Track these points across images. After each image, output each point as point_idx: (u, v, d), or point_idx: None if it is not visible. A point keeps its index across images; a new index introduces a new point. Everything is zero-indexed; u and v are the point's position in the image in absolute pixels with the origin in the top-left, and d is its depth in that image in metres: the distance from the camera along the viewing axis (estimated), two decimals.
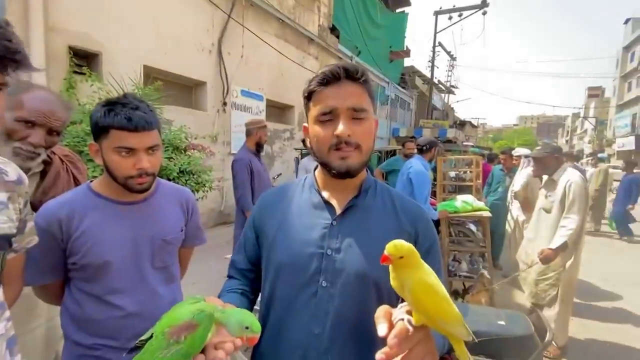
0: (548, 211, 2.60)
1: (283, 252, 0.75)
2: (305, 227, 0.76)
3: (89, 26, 4.33)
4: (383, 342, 0.51)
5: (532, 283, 2.64)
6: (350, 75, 0.72)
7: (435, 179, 4.83)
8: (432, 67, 15.75)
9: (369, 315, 0.70)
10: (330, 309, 0.70)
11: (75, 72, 4.13)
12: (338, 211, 0.76)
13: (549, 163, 2.63)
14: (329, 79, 0.72)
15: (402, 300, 0.56)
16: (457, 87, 24.09)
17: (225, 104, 6.61)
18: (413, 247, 0.54)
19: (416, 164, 3.21)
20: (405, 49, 15.76)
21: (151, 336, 0.55)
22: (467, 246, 3.71)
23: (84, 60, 4.44)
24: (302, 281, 0.72)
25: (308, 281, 0.72)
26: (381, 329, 0.52)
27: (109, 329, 0.94)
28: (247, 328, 0.56)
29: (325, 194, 0.78)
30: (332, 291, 0.71)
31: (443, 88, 22.27)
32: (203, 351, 0.54)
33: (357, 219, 0.75)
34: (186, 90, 6.27)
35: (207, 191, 4.17)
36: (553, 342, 2.58)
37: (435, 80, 18.38)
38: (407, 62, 17.46)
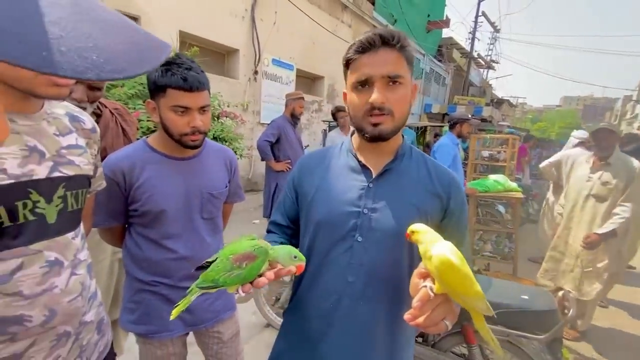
0: (604, 199, 2.33)
1: (322, 210, 0.81)
2: (343, 188, 0.81)
3: None
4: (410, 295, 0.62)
5: (576, 277, 2.43)
6: (387, 41, 0.73)
7: (466, 158, 4.71)
8: (473, 38, 14.75)
9: (400, 268, 0.77)
10: (364, 260, 0.77)
11: None
12: (374, 174, 0.80)
13: (612, 142, 2.33)
14: (365, 47, 0.74)
15: None
16: (497, 62, 22.53)
17: (256, 72, 6.62)
18: (426, 228, 0.63)
19: (442, 140, 3.25)
20: (444, 18, 14.77)
21: (215, 259, 0.65)
22: (494, 227, 3.67)
23: None
24: (339, 236, 0.79)
25: (345, 236, 0.78)
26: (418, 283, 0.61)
27: (164, 269, 1.07)
28: (295, 257, 0.67)
29: (362, 158, 0.83)
30: (367, 245, 0.77)
31: (482, 62, 20.89)
32: (252, 282, 0.64)
33: (392, 182, 0.80)
34: (219, 58, 6.32)
35: (237, 158, 4.31)
36: (574, 325, 2.58)
37: (475, 54, 17.25)
38: (446, 33, 16.39)
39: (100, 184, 0.92)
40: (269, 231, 0.96)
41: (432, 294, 0.58)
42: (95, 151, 0.85)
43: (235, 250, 0.64)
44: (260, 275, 0.64)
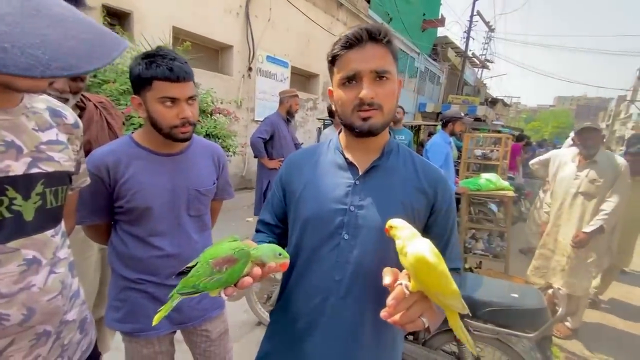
0: (592, 196, 2.36)
1: (309, 208, 0.80)
2: (329, 185, 0.80)
3: None
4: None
5: (566, 273, 2.45)
6: (373, 36, 0.72)
7: (460, 157, 4.73)
8: (468, 38, 14.82)
9: (387, 266, 0.77)
10: (351, 258, 0.76)
11: None
12: (361, 171, 0.80)
13: (597, 140, 2.38)
14: (352, 42, 0.73)
15: None
16: (492, 62, 22.67)
17: (250, 69, 6.57)
18: (404, 223, 0.63)
19: (435, 138, 3.24)
20: (439, 17, 14.81)
21: (196, 264, 0.64)
22: (487, 225, 3.69)
23: (116, 19, 4.49)
24: (326, 234, 0.78)
25: (331, 234, 0.77)
26: (385, 280, 0.61)
27: (150, 267, 1.05)
28: (279, 255, 0.66)
29: (348, 155, 0.82)
30: (353, 243, 0.76)
31: (477, 62, 21.01)
32: (236, 284, 0.63)
33: (379, 179, 0.79)
34: (213, 54, 6.26)
35: (230, 156, 4.29)
36: (566, 323, 2.61)
37: (470, 53, 17.34)
38: (441, 32, 16.46)
39: (83, 180, 0.90)
40: (257, 230, 0.95)
41: (407, 292, 0.58)
42: (78, 147, 0.82)
43: (216, 254, 0.62)
44: (245, 275, 0.63)
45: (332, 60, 0.78)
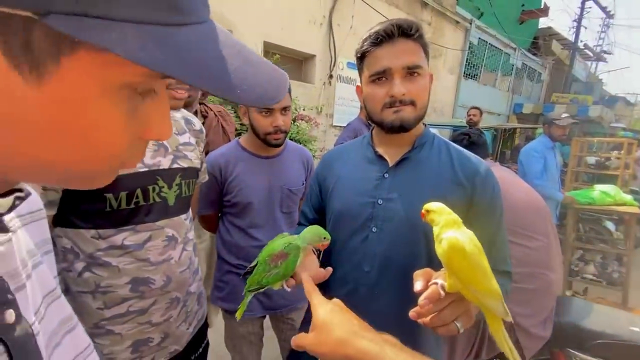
0: None
1: (339, 201, 0.83)
2: (359, 179, 0.82)
3: (222, 6, 4.96)
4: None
5: None
6: (405, 32, 0.70)
7: (564, 165, 4.11)
8: (578, 27, 12.74)
9: (417, 260, 0.74)
10: (379, 251, 0.76)
11: None
12: (391, 164, 0.79)
13: None
14: (382, 38, 0.71)
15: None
16: (610, 53, 19.03)
17: (331, 76, 6.80)
18: (443, 207, 0.56)
19: (532, 143, 2.97)
20: (542, 6, 13.06)
21: (257, 264, 0.75)
22: (599, 247, 3.12)
23: None
24: (356, 227, 0.79)
25: (361, 227, 0.79)
26: (416, 286, 0.56)
27: (248, 254, 1.21)
28: (324, 238, 0.74)
29: (379, 149, 0.82)
30: (382, 236, 0.76)
31: (590, 54, 17.88)
32: (293, 276, 0.72)
33: (409, 171, 0.78)
34: (297, 64, 6.67)
35: None
36: None
37: (580, 45, 14.87)
38: (543, 23, 14.49)
39: (204, 177, 1.09)
40: (299, 223, 1.01)
41: (442, 293, 0.53)
42: (202, 148, 1.01)
43: (271, 251, 0.71)
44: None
45: (361, 57, 0.78)
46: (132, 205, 0.75)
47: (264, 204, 1.21)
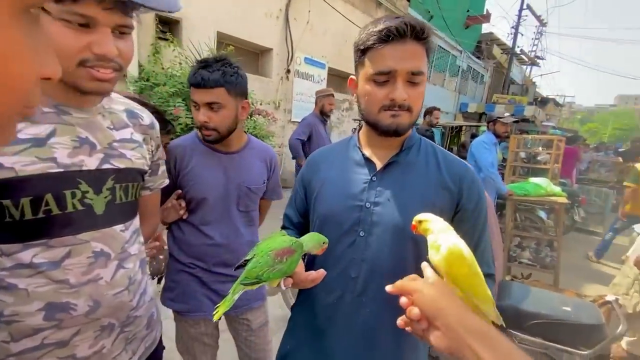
0: None
1: (326, 205, 0.80)
2: (346, 182, 0.79)
3: None
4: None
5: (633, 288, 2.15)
6: (417, 34, 0.68)
7: (504, 160, 4.47)
8: (516, 33, 13.95)
9: (405, 266, 0.73)
10: (366, 256, 0.75)
11: (159, 38, 4.52)
12: (379, 167, 0.78)
13: None
14: (393, 36, 0.67)
15: None
16: (542, 58, 21.12)
17: (288, 71, 6.71)
18: (435, 217, 0.59)
19: (480, 138, 3.23)
20: (484, 12, 14.09)
21: (252, 257, 0.68)
22: (534, 234, 3.45)
23: (167, 27, 4.81)
24: (342, 231, 0.77)
25: (347, 231, 0.76)
26: (388, 287, 0.56)
27: (200, 253, 1.14)
28: (324, 243, 0.72)
29: (367, 152, 0.80)
30: (369, 241, 0.74)
31: (525, 59, 19.69)
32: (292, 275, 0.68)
33: (397, 175, 0.77)
34: (253, 57, 6.48)
35: None
36: (622, 343, 2.37)
37: (518, 50, 16.30)
38: (486, 28, 15.64)
39: (162, 182, 0.93)
40: (283, 227, 0.96)
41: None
42: (153, 147, 0.85)
43: (273, 246, 0.66)
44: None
45: (363, 50, 0.72)
46: (42, 215, 0.61)
47: (219, 201, 1.13)
